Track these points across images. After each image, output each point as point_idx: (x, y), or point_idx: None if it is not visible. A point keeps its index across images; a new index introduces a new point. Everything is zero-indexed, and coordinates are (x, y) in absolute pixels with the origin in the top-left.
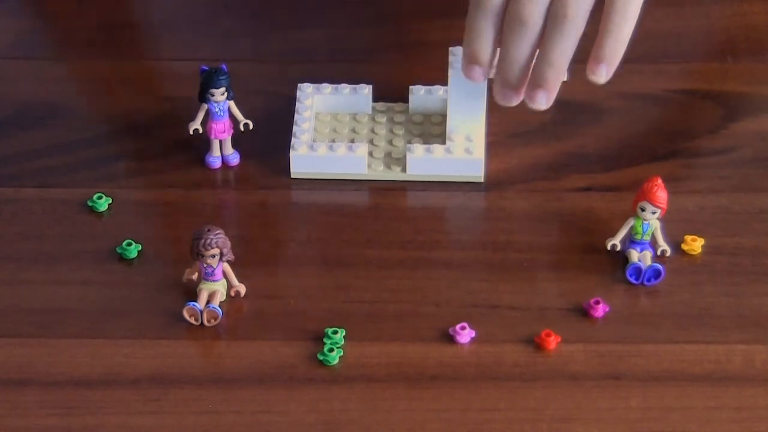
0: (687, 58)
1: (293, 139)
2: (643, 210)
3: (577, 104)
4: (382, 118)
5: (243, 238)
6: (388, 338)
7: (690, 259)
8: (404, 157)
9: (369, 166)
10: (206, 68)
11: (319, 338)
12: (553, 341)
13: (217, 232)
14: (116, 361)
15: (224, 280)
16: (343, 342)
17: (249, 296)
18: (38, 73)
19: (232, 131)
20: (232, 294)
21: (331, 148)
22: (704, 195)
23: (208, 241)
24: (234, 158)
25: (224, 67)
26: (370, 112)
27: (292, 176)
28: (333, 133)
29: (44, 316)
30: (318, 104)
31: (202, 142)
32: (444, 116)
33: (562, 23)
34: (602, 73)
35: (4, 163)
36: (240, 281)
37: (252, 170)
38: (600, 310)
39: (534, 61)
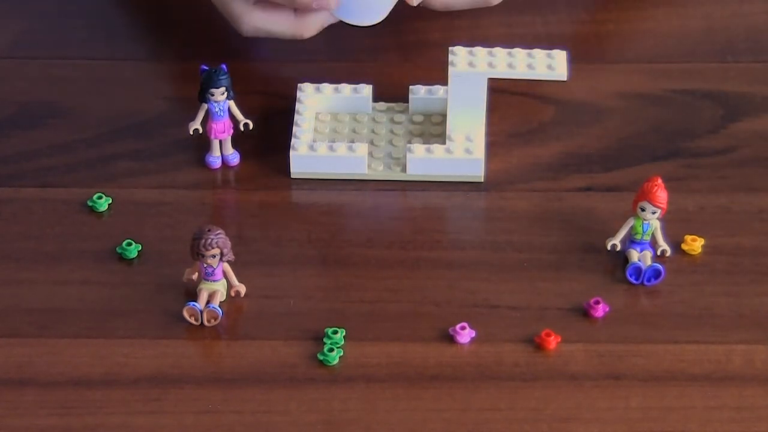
0: (687, 58)
1: (293, 139)
2: (643, 210)
3: (577, 104)
4: (382, 118)
5: (243, 238)
6: (388, 338)
7: (690, 259)
8: (404, 157)
9: (369, 166)
10: (206, 68)
11: (319, 338)
12: (553, 341)
13: (218, 232)
14: (116, 361)
15: (224, 280)
16: (343, 342)
17: (249, 296)
18: (38, 73)
19: (232, 131)
20: (232, 294)
21: (331, 148)
22: (704, 195)
23: (209, 241)
24: (234, 158)
25: (224, 67)
26: (370, 112)
27: (292, 176)
28: (333, 133)
29: (44, 316)
30: (318, 104)
31: (202, 142)
32: (444, 116)
33: None
34: None
35: (4, 163)
36: (240, 281)
37: (252, 170)
38: (600, 310)
39: None
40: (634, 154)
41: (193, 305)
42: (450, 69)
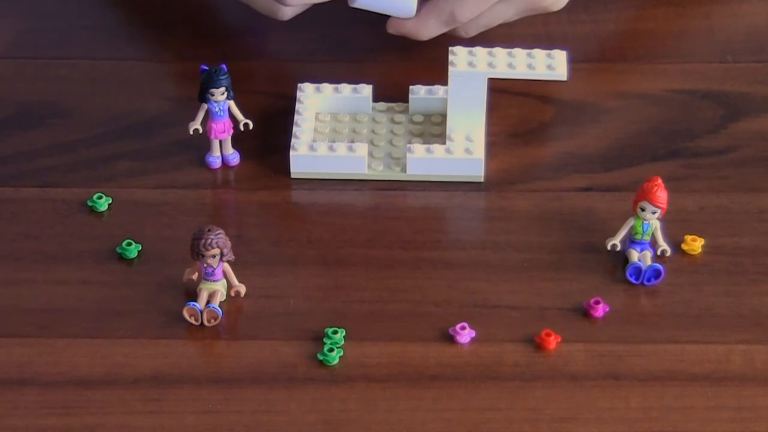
0: (687, 58)
1: (293, 139)
2: (643, 210)
3: (577, 104)
4: (382, 118)
5: (243, 238)
6: (388, 338)
7: (690, 259)
8: (404, 157)
9: (369, 166)
10: (206, 68)
11: (319, 338)
12: (553, 341)
13: (218, 232)
14: (116, 361)
15: (224, 280)
16: (343, 342)
17: (249, 296)
18: (38, 73)
19: (232, 131)
20: (232, 294)
21: (331, 148)
22: (704, 195)
23: (209, 241)
24: (234, 158)
25: (224, 67)
26: (370, 112)
27: (292, 176)
28: (333, 133)
29: (44, 316)
30: (318, 104)
31: (202, 142)
32: (444, 116)
33: None
34: None
35: (4, 163)
36: (240, 281)
37: (252, 170)
38: (600, 310)
39: None
40: (634, 154)
41: (193, 305)
42: (450, 69)
